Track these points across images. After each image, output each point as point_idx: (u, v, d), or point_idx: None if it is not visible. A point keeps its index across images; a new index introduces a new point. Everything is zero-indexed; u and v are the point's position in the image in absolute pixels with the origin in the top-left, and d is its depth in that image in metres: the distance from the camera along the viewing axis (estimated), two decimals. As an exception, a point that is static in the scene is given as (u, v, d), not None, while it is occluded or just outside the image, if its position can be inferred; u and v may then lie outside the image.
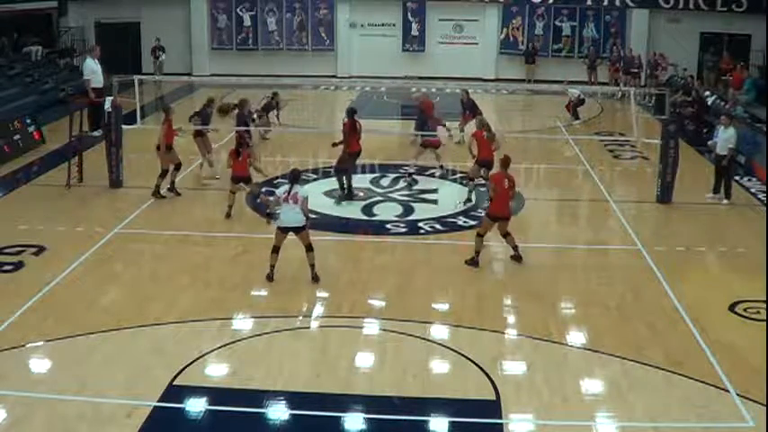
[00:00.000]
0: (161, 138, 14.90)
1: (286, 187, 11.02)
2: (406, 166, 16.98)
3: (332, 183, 16.10)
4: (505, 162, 12.04)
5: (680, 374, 8.82)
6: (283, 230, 11.10)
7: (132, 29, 31.20)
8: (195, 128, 16.22)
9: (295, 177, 11.07)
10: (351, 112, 15.10)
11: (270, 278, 11.16)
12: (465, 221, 14.14)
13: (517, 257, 12.03)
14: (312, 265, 11.17)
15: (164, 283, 11.27)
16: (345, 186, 14.99)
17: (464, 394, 8.48)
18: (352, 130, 14.84)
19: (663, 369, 8.94)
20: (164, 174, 15.03)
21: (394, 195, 15.62)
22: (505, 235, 11.98)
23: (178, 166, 15.27)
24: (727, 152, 15.15)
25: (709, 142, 19.11)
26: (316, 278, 11.17)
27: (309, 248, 11.13)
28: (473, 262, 11.91)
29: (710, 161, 18.52)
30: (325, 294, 10.85)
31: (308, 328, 10.12)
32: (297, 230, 11.04)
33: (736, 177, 16.62)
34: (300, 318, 10.28)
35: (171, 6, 31.06)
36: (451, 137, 18.79)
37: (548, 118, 23.82)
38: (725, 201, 15.17)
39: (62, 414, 7.90)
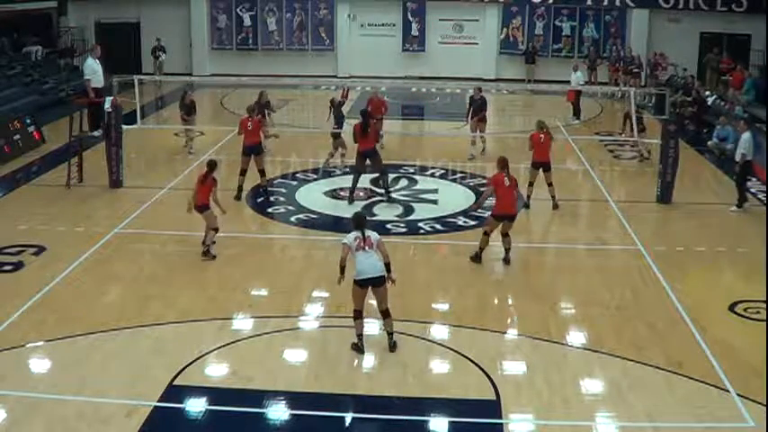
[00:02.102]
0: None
1: (356, 233, 9.29)
2: (406, 166, 17.03)
3: (332, 183, 16.15)
4: (503, 163, 12.07)
5: (680, 374, 8.82)
6: (362, 284, 9.20)
7: (132, 29, 31.21)
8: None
9: (361, 223, 9.39)
10: (362, 114, 15.24)
11: (360, 350, 9.27)
12: (465, 221, 14.14)
13: (506, 260, 12.08)
14: (390, 334, 9.38)
15: (164, 283, 11.26)
16: (351, 188, 14.97)
17: (464, 394, 8.48)
18: (359, 131, 14.81)
19: (663, 369, 8.94)
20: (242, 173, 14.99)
21: (394, 195, 15.60)
22: (504, 235, 12.02)
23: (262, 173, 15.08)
24: (739, 158, 15.04)
25: (710, 142, 19.17)
26: (393, 347, 9.37)
27: (387, 314, 9.32)
28: (476, 257, 12.03)
29: (711, 161, 18.56)
30: (325, 294, 10.85)
31: (308, 328, 10.13)
32: (377, 283, 9.23)
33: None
34: (300, 318, 10.28)
35: (171, 6, 31.05)
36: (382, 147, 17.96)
37: (548, 118, 23.72)
38: (732, 208, 14.92)
39: (62, 414, 7.90)
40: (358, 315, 9.28)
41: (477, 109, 18.57)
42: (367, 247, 9.20)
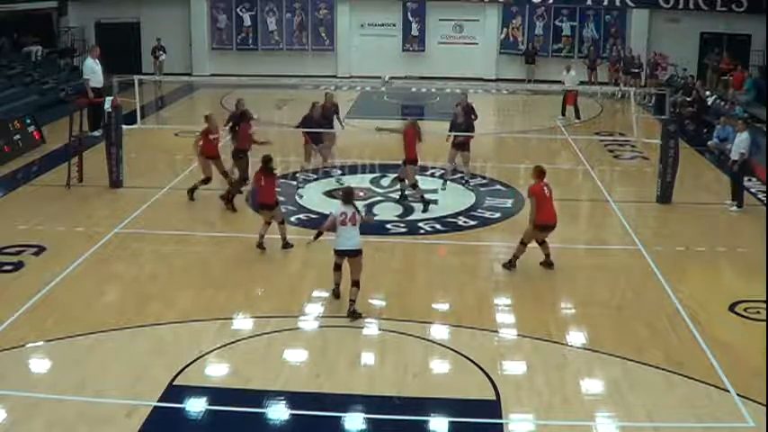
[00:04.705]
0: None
1: (341, 208, 10.20)
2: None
3: (332, 183, 16.16)
4: (542, 173, 11.73)
5: (680, 374, 8.83)
6: (338, 254, 10.40)
7: (132, 29, 31.21)
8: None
9: (348, 199, 10.28)
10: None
11: (337, 295, 10.53)
12: (465, 221, 14.14)
13: (549, 263, 11.84)
14: (352, 301, 10.12)
15: (164, 283, 11.27)
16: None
17: (464, 394, 8.48)
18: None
19: (663, 369, 8.94)
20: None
21: (394, 195, 15.59)
22: (542, 242, 11.75)
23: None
24: (738, 157, 15.05)
25: (710, 143, 19.16)
26: (353, 314, 10.08)
27: (356, 284, 10.13)
28: (511, 264, 11.77)
29: (711, 161, 18.56)
30: (325, 294, 10.85)
31: (308, 328, 10.13)
32: (352, 255, 10.24)
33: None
34: (300, 318, 10.28)
35: (171, 6, 31.06)
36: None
37: (548, 118, 23.82)
38: (733, 208, 14.96)
39: (62, 414, 7.90)
40: (337, 268, 10.53)
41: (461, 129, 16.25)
42: (350, 224, 10.12)
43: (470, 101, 17.33)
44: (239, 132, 15.15)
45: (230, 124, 15.88)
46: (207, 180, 14.82)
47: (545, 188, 11.70)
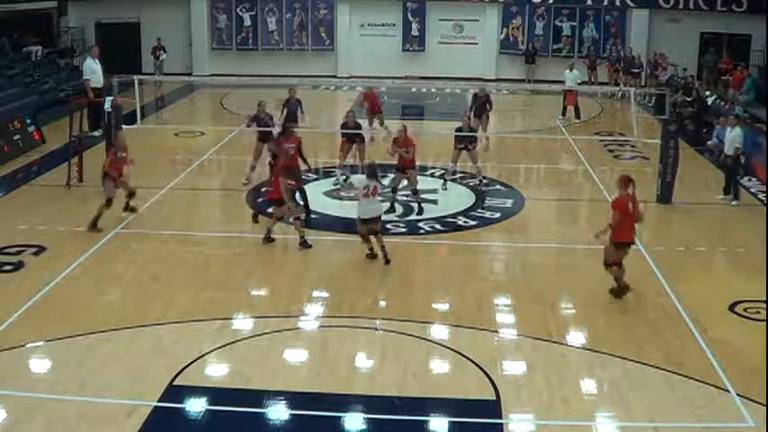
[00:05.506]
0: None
1: (366, 182, 11.78)
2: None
3: (332, 183, 16.14)
4: (628, 182, 10.82)
5: (680, 374, 8.82)
6: (366, 222, 11.76)
7: (132, 29, 31.22)
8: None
9: (372, 173, 11.84)
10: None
11: (372, 256, 11.88)
12: (465, 221, 14.14)
13: (623, 290, 10.80)
14: (383, 247, 11.86)
15: (164, 283, 11.26)
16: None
17: (464, 394, 8.48)
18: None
19: (663, 369, 8.94)
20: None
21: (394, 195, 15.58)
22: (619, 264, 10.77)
23: None
24: (733, 152, 15.09)
25: (709, 142, 19.17)
26: (387, 260, 11.84)
27: (380, 234, 11.94)
28: (621, 290, 10.81)
29: (710, 161, 18.56)
30: (325, 294, 10.85)
31: (308, 328, 10.13)
32: (375, 222, 11.84)
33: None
34: (300, 318, 10.29)
35: (171, 6, 31.07)
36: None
37: (548, 118, 23.82)
38: (734, 202, 15.05)
39: (62, 414, 7.90)
40: (365, 239, 11.85)
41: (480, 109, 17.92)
42: (371, 195, 11.65)
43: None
44: (278, 147, 13.82)
45: (251, 124, 16.05)
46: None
47: (630, 203, 10.68)
